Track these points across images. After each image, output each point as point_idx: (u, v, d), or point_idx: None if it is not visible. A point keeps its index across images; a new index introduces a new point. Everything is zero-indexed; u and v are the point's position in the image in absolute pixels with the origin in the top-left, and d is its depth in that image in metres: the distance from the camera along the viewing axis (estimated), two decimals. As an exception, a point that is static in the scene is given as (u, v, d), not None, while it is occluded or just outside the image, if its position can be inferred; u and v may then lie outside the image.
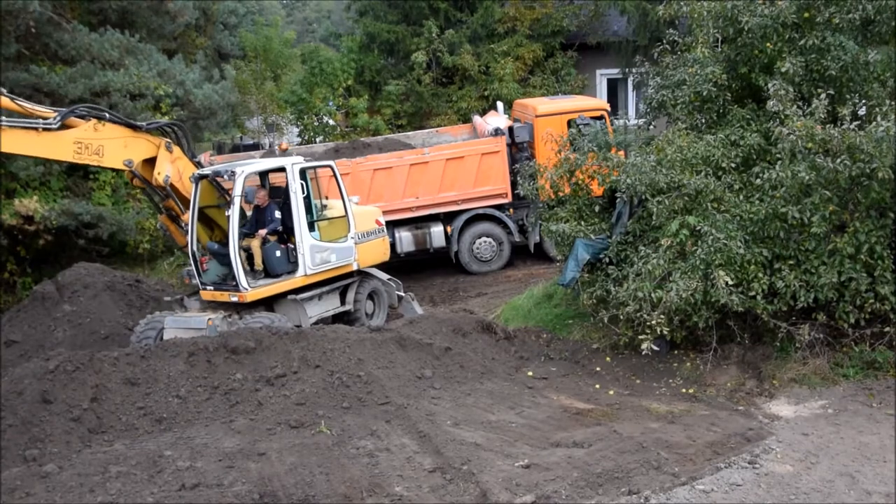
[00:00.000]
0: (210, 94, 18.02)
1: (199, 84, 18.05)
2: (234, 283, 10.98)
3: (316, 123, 22.17)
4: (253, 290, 11.04)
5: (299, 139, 22.53)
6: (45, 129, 9.82)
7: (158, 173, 11.16)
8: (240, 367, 9.01)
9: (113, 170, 10.92)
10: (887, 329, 8.96)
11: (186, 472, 7.23)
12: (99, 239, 15.76)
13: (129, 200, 17.01)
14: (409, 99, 22.13)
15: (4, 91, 9.70)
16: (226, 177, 11.31)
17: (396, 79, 22.13)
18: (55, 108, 10.40)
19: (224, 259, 11.18)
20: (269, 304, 11.49)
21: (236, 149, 18.37)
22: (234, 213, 10.87)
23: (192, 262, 11.35)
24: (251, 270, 11.28)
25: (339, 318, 12.17)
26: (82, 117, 10.46)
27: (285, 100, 22.47)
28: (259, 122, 25.18)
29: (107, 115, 10.78)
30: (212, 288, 11.27)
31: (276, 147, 16.77)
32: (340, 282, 12.35)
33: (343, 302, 12.39)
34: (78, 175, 16.26)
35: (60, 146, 10.02)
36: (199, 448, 7.73)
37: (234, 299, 11.01)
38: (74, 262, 13.93)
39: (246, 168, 11.36)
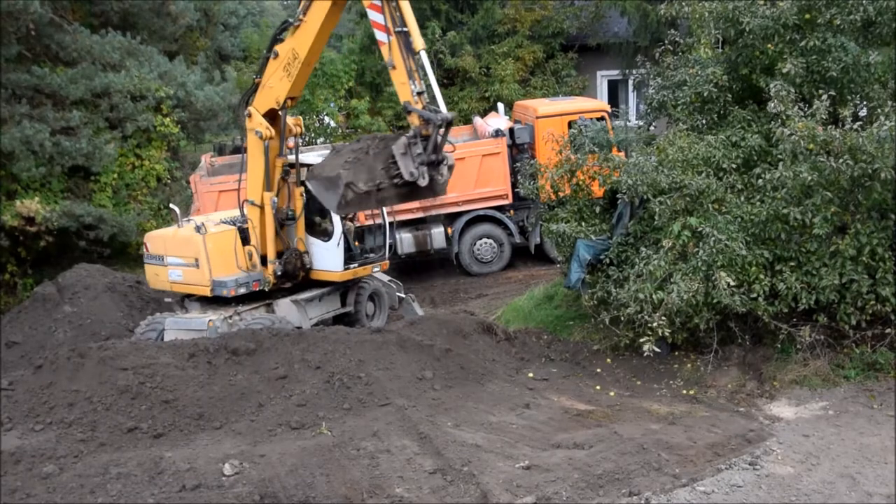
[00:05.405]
0: (211, 96, 18.04)
1: (200, 86, 18.08)
2: (381, 254, 12.11)
3: (317, 125, 22.14)
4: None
5: (301, 140, 22.49)
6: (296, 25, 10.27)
7: (297, 123, 11.29)
8: (240, 369, 9.01)
9: (268, 113, 11.01)
10: (888, 330, 8.97)
11: (187, 474, 7.22)
12: (100, 240, 15.75)
13: (130, 202, 16.99)
14: (410, 100, 22.09)
15: None
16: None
17: (397, 80, 22.08)
18: None
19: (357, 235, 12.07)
20: (268, 304, 11.51)
21: (237, 150, 18.34)
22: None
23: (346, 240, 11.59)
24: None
25: (339, 320, 12.16)
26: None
27: (286, 101, 22.41)
28: (260, 124, 25.10)
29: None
30: (356, 265, 11.82)
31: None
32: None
33: (344, 303, 12.40)
34: (79, 176, 16.27)
35: (303, 45, 10.54)
36: (200, 449, 7.72)
37: (377, 269, 12.11)
38: (75, 263, 13.93)
39: None
